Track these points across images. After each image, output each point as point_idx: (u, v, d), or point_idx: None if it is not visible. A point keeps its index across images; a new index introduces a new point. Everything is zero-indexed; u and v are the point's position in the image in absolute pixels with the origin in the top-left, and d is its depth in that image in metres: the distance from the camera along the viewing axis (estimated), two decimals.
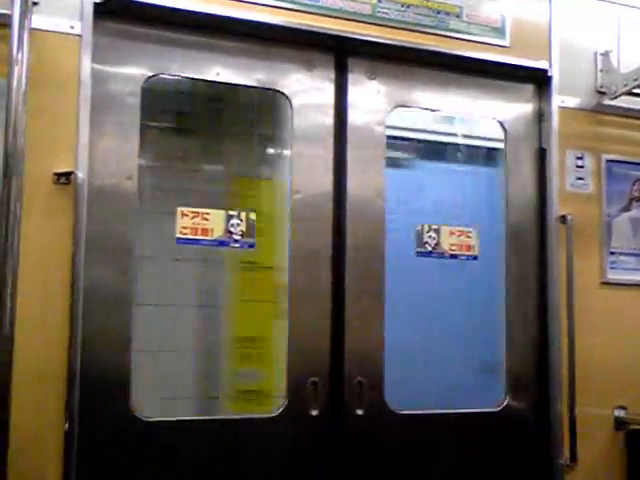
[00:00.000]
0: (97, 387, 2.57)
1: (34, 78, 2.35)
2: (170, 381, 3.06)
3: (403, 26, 3.09)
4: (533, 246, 3.31)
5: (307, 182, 2.96)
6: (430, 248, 3.19)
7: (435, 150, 3.70)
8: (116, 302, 2.64)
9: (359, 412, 2.92)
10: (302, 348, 2.89)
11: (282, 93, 2.97)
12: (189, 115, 3.24)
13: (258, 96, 3.10)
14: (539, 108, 3.40)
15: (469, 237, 3.25)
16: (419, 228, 3.18)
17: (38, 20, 2.49)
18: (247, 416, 2.86)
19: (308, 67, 3.02)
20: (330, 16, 2.97)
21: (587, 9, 3.45)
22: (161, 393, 2.99)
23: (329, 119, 3.03)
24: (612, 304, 3.35)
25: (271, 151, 3.37)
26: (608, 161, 3.43)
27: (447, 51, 3.15)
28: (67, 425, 2.45)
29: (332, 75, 3.05)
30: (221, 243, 2.87)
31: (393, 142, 3.27)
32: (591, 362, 3.25)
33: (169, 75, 2.85)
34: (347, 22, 2.99)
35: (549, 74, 3.33)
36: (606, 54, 3.42)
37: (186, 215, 2.81)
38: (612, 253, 3.39)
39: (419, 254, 3.18)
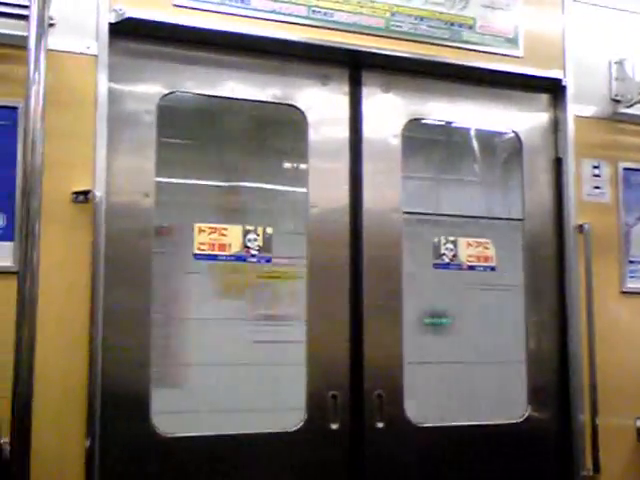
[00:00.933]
0: (118, 403, 2.58)
1: (51, 98, 2.37)
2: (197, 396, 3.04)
3: (417, 39, 3.10)
4: (551, 256, 3.30)
5: (324, 195, 2.98)
6: (448, 260, 3.19)
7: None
8: (135, 318, 2.65)
9: (379, 425, 2.91)
10: (321, 362, 2.89)
11: (297, 108, 2.99)
12: (205, 131, 3.24)
13: (274, 111, 3.11)
14: (554, 118, 3.39)
15: (487, 248, 3.24)
16: (436, 240, 3.18)
17: (54, 41, 2.51)
18: (267, 431, 2.85)
19: (323, 81, 3.03)
20: (344, 30, 2.99)
21: (600, 18, 3.45)
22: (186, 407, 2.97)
23: (344, 133, 3.04)
24: (632, 313, 3.33)
25: (287, 165, 3.37)
26: (625, 169, 3.42)
27: (461, 63, 3.15)
28: (88, 442, 2.47)
29: (347, 89, 3.07)
30: (238, 258, 2.88)
31: None
32: (612, 372, 3.23)
33: (185, 92, 2.87)
34: (361, 36, 3.01)
35: (563, 83, 3.33)
36: (620, 62, 3.42)
37: (203, 231, 2.83)
38: (631, 262, 3.37)
39: (436, 266, 3.19)
